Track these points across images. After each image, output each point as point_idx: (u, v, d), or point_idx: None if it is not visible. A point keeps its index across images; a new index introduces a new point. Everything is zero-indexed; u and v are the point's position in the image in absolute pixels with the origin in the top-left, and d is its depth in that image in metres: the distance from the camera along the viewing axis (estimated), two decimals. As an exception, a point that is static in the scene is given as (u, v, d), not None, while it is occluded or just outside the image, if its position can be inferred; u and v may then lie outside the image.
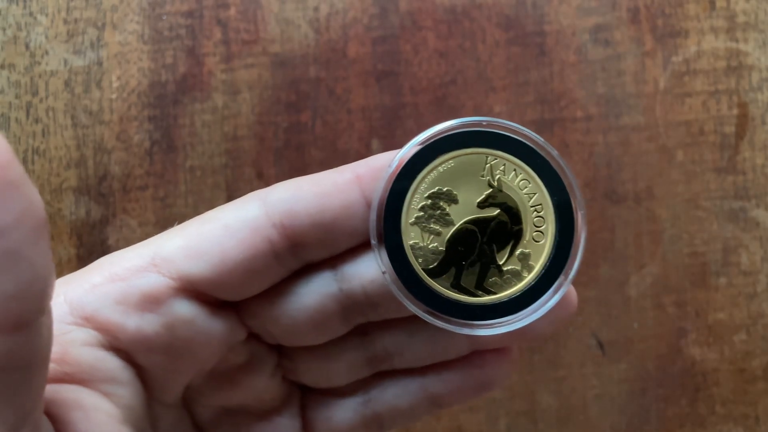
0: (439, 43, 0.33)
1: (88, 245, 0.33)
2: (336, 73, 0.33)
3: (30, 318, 0.15)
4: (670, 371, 0.33)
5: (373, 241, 0.20)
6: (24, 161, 0.33)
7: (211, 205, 0.33)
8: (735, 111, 0.33)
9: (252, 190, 0.33)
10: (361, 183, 0.20)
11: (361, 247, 0.21)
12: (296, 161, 0.33)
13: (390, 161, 0.20)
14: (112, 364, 0.19)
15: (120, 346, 0.19)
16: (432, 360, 0.23)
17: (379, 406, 0.24)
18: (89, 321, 0.19)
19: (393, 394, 0.24)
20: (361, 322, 0.22)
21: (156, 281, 0.19)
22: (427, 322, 0.21)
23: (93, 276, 0.20)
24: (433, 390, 0.23)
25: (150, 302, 0.19)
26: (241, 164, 0.33)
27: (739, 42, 0.33)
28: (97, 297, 0.19)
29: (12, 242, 0.14)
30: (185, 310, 0.20)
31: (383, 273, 0.20)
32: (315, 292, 0.21)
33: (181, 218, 0.33)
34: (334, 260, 0.21)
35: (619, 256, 0.33)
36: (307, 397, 0.24)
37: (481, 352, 0.23)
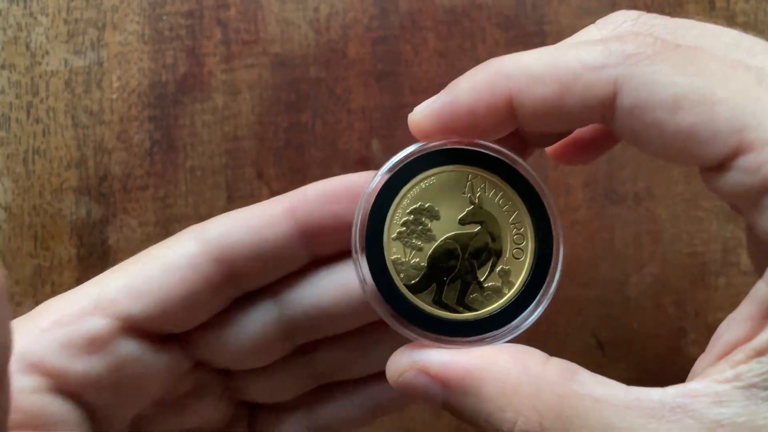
0: (439, 44, 0.33)
1: (89, 245, 0.33)
2: (336, 73, 0.33)
3: None
4: (669, 371, 0.33)
5: (355, 254, 0.20)
6: (24, 161, 0.33)
7: (211, 205, 0.33)
8: (735, 111, 0.33)
9: (252, 189, 0.34)
10: (295, 213, 0.21)
11: (300, 272, 0.22)
12: (296, 161, 0.33)
13: (331, 199, 0.21)
14: (60, 407, 0.20)
15: (68, 390, 0.20)
16: (373, 370, 0.24)
17: (325, 418, 0.24)
18: (37, 368, 0.20)
19: (338, 406, 0.24)
20: (303, 342, 0.23)
21: (100, 324, 0.20)
22: (364, 335, 0.22)
23: (38, 322, 0.20)
24: (375, 399, 0.24)
25: (95, 345, 0.20)
26: (241, 164, 0.33)
27: (739, 42, 0.33)
28: (44, 344, 0.20)
29: None
30: (130, 348, 0.21)
31: (363, 286, 0.20)
32: (257, 321, 0.22)
33: (182, 218, 0.33)
34: (273, 287, 0.22)
35: (618, 256, 0.33)
36: (255, 415, 0.25)
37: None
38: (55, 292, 0.32)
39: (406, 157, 0.21)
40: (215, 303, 0.21)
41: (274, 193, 0.33)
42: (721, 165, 0.17)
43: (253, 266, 0.21)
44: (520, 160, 0.21)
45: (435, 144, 0.21)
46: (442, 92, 0.20)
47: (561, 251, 0.20)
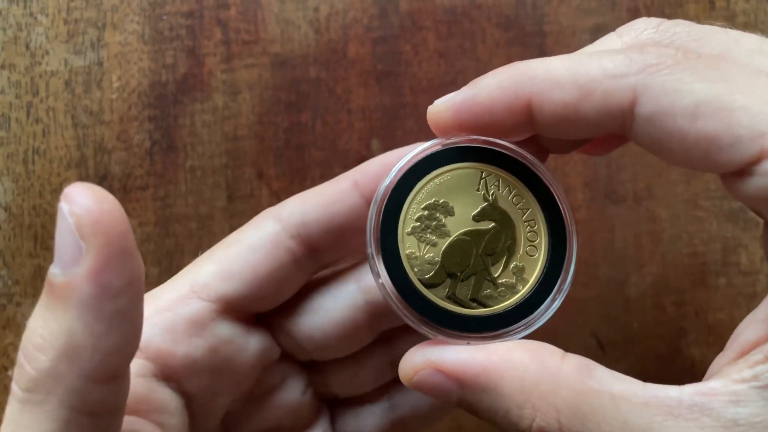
0: (439, 44, 0.33)
1: (89, 245, 0.33)
2: (336, 73, 0.33)
3: (123, 370, 0.16)
4: (670, 371, 0.33)
5: (369, 249, 0.20)
6: (24, 161, 0.33)
7: (211, 205, 0.33)
8: (735, 111, 0.33)
9: (252, 190, 0.34)
10: (359, 188, 0.22)
11: None
12: (296, 161, 0.33)
13: (387, 171, 0.21)
14: (163, 394, 0.21)
15: (170, 374, 0.21)
16: None
17: (403, 410, 0.25)
18: (141, 352, 0.21)
19: (415, 396, 0.25)
20: (384, 329, 0.24)
21: (198, 307, 0.21)
22: None
23: None
24: None
25: (195, 327, 0.21)
26: (241, 164, 0.33)
27: (739, 42, 0.33)
28: (147, 329, 0.20)
29: (121, 304, 0.15)
30: (225, 330, 0.22)
31: (380, 282, 0.20)
32: (344, 305, 0.23)
33: (182, 218, 0.33)
34: (357, 272, 0.23)
35: (618, 255, 0.33)
36: (335, 410, 0.26)
37: None
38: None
39: (421, 152, 0.21)
40: (298, 277, 0.23)
41: (274, 194, 0.33)
42: (742, 171, 0.17)
43: (329, 238, 0.22)
44: (533, 158, 0.21)
45: (450, 141, 0.21)
46: (465, 87, 0.20)
47: (575, 248, 0.21)
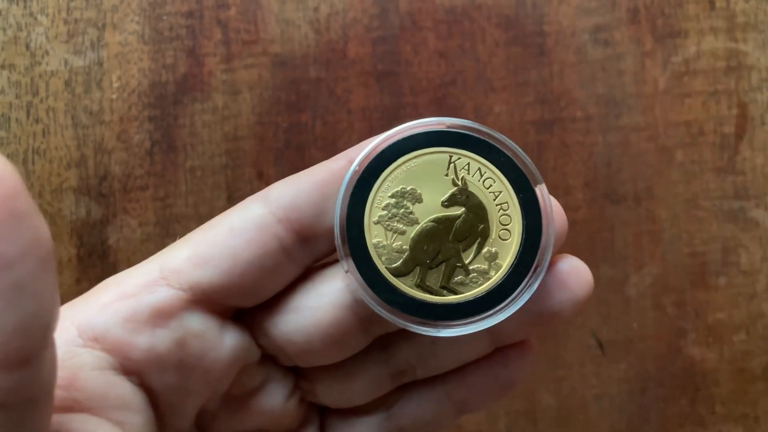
0: (439, 44, 0.33)
1: (89, 245, 0.33)
2: (336, 73, 0.33)
3: (34, 353, 0.14)
4: (669, 371, 0.33)
5: (337, 241, 0.20)
6: (24, 161, 0.33)
7: (211, 205, 0.33)
8: (734, 111, 0.33)
9: (252, 190, 0.34)
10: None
11: None
12: (296, 161, 0.33)
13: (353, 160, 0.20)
14: (123, 389, 0.18)
15: (131, 368, 0.19)
16: (455, 365, 0.22)
17: (403, 421, 0.23)
18: (99, 342, 0.18)
19: (416, 407, 0.23)
20: (380, 334, 0.21)
21: (166, 294, 0.19)
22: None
23: (101, 296, 0.19)
24: (457, 396, 0.23)
25: (161, 317, 0.19)
26: (241, 164, 0.33)
27: (739, 42, 0.33)
28: (107, 317, 0.19)
29: (18, 275, 0.13)
30: (196, 323, 0.19)
31: (346, 272, 0.20)
32: (330, 305, 0.20)
33: (182, 218, 0.33)
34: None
35: (618, 256, 0.33)
36: (327, 417, 0.23)
37: (503, 350, 0.22)
38: (55, 292, 0.32)
39: (386, 139, 0.20)
40: (286, 269, 0.20)
41: (274, 193, 0.33)
42: None
43: (321, 224, 0.20)
44: (506, 139, 0.20)
45: (416, 125, 0.20)
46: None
47: (551, 232, 0.20)
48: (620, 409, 0.33)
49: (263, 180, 0.33)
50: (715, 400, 0.33)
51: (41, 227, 0.13)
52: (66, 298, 0.22)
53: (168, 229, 0.32)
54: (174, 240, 0.20)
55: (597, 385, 0.33)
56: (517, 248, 0.20)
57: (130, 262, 0.31)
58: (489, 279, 0.20)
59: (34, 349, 0.14)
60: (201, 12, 0.33)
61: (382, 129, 0.33)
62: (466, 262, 0.20)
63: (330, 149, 0.33)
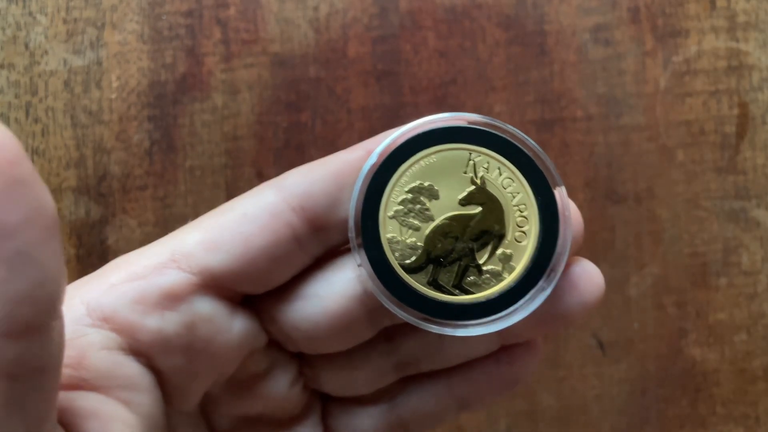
0: (439, 43, 0.33)
1: (88, 245, 0.32)
2: (336, 73, 0.33)
3: (41, 322, 0.14)
4: (670, 371, 0.33)
5: (351, 234, 0.19)
6: (23, 161, 0.33)
7: (211, 205, 0.33)
8: (735, 111, 0.33)
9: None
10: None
11: None
12: (296, 161, 0.33)
13: (371, 153, 0.20)
14: (131, 369, 0.18)
15: (139, 349, 0.19)
16: (460, 360, 0.22)
17: (405, 412, 0.23)
18: (107, 322, 0.18)
19: (418, 399, 0.23)
20: (386, 326, 0.21)
21: (176, 278, 0.19)
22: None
23: (110, 276, 0.19)
24: (459, 392, 0.23)
25: (170, 300, 0.19)
26: (241, 164, 0.33)
27: (740, 42, 0.33)
28: (116, 297, 0.19)
29: (21, 243, 0.13)
30: (206, 307, 0.19)
31: (359, 266, 0.20)
32: (339, 294, 0.20)
33: (181, 218, 0.33)
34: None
35: (619, 256, 0.33)
36: (329, 405, 0.23)
37: (510, 348, 0.22)
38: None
39: (404, 133, 0.20)
40: (297, 258, 0.20)
41: (273, 193, 0.33)
42: None
43: (335, 214, 0.20)
44: (527, 139, 0.20)
45: (437, 119, 0.20)
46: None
47: (569, 235, 0.19)
48: (621, 409, 0.33)
49: (263, 180, 0.33)
50: (716, 401, 0.33)
51: (44, 195, 0.13)
52: (65, 298, 0.22)
53: (167, 229, 0.32)
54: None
55: (597, 385, 0.33)
56: (533, 252, 0.19)
57: (129, 262, 0.31)
58: (502, 281, 0.20)
59: (41, 318, 0.14)
60: (200, 11, 0.33)
61: (382, 128, 0.33)
62: (480, 262, 0.20)
63: (330, 149, 0.33)
